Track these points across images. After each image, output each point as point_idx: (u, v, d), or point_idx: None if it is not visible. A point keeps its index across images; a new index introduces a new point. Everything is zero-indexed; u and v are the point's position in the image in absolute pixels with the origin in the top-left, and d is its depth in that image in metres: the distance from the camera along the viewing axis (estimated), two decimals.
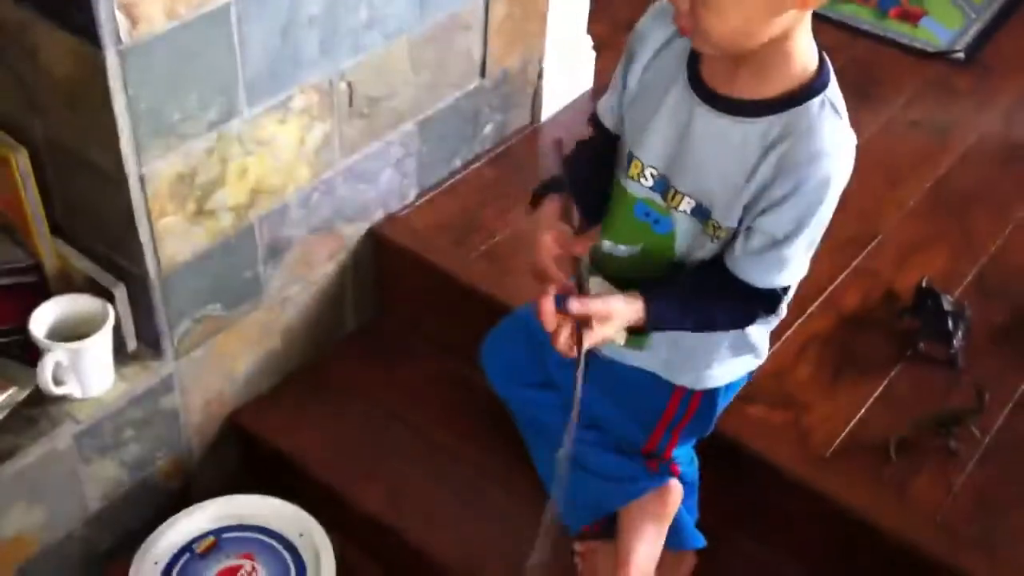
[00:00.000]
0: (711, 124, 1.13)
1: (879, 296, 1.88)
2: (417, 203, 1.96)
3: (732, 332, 1.31)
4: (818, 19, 2.65)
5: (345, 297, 1.92)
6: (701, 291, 1.22)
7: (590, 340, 1.14)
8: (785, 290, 1.22)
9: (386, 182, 1.87)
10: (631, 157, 1.21)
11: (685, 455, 1.53)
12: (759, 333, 1.36)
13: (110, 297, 1.54)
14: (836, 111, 1.12)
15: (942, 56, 2.49)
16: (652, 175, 1.19)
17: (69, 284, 1.58)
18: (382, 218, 1.91)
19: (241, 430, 1.82)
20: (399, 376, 1.90)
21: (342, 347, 1.96)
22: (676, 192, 1.18)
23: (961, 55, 2.48)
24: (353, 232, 1.87)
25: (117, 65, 1.33)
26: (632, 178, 1.21)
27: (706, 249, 1.21)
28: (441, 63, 1.84)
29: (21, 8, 1.38)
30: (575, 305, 1.12)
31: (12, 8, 1.40)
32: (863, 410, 1.67)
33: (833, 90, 1.13)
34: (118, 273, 1.56)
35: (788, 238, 1.14)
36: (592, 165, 1.28)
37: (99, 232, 1.56)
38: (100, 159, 1.44)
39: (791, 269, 1.18)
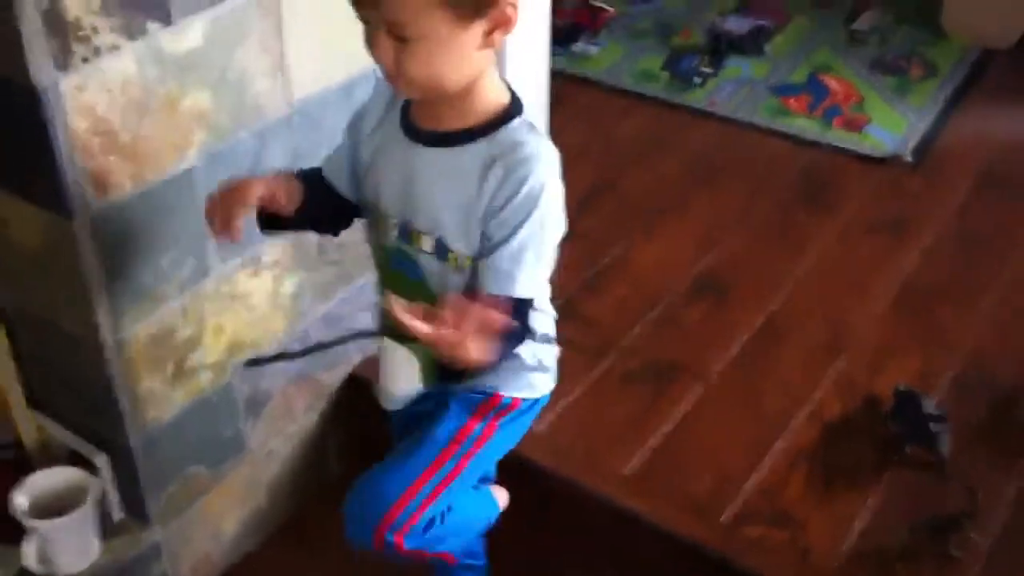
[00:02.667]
0: (428, 158, 1.24)
1: (859, 403, 1.89)
2: None
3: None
4: (765, 133, 2.76)
5: (328, 444, 1.90)
6: None
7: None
8: (524, 303, 1.24)
9: (363, 324, 1.86)
10: (381, 215, 1.30)
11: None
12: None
13: (92, 467, 1.51)
14: (535, 129, 1.23)
15: (891, 160, 2.55)
16: (395, 224, 1.28)
17: (49, 457, 1.55)
18: (361, 360, 1.89)
19: None
20: None
21: (327, 494, 1.91)
22: (416, 232, 1.26)
23: (909, 157, 2.55)
24: (332, 378, 1.85)
25: (87, 234, 1.33)
26: (384, 232, 1.30)
27: (456, 284, 1.27)
28: None
29: None
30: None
31: None
32: (859, 521, 1.66)
33: (529, 114, 1.24)
34: (99, 442, 1.53)
35: (511, 244, 1.20)
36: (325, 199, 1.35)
37: (77, 402, 1.53)
38: (74, 328, 1.43)
39: (524, 277, 1.21)
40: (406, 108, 1.27)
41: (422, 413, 1.42)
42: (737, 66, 2.96)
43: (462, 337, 1.08)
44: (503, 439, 1.42)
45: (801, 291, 2.16)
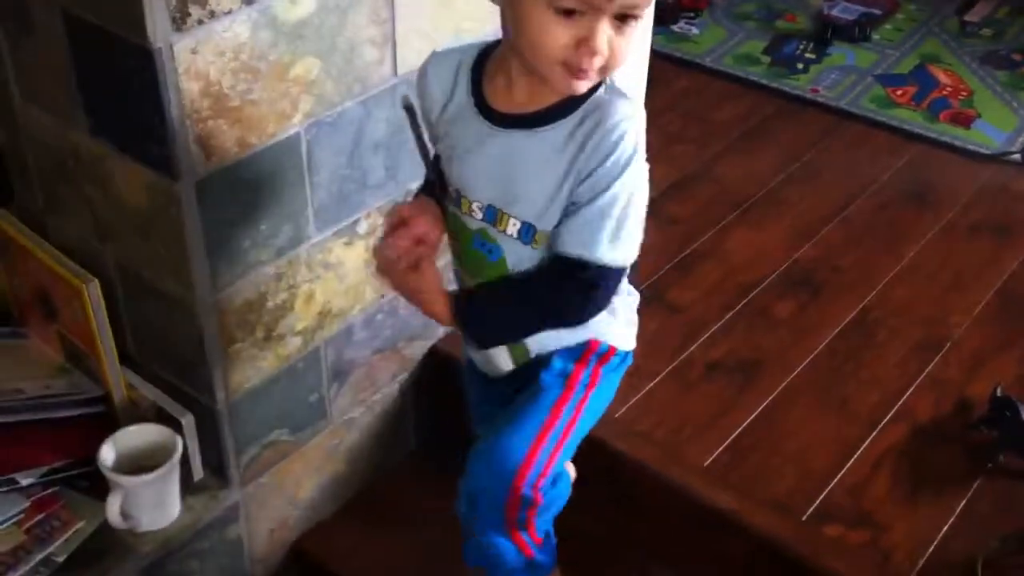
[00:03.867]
0: (522, 142, 1.18)
1: (952, 405, 1.84)
2: None
3: None
4: (869, 123, 2.69)
5: (407, 416, 1.90)
6: (525, 278, 1.25)
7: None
8: (602, 269, 1.19)
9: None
10: (459, 195, 1.26)
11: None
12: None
13: (177, 425, 1.53)
14: (619, 91, 1.18)
15: (998, 158, 2.47)
16: (480, 208, 1.24)
17: (136, 413, 1.57)
18: (444, 335, 1.89)
19: (305, 558, 1.78)
20: None
21: (404, 467, 1.93)
22: (503, 215, 1.23)
23: (1018, 156, 2.47)
24: (415, 351, 1.86)
25: (191, 196, 1.34)
26: (466, 213, 1.26)
27: (533, 258, 1.24)
28: None
29: (96, 140, 1.41)
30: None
31: (87, 139, 1.42)
32: (945, 528, 1.62)
33: (629, 91, 1.19)
34: (185, 401, 1.55)
35: (597, 203, 1.16)
36: None
37: (167, 360, 1.56)
38: (171, 288, 1.45)
39: (604, 240, 1.17)
40: (477, 90, 1.22)
41: (504, 394, 1.41)
42: (842, 53, 2.88)
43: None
44: (604, 392, 1.40)
45: (897, 289, 2.11)
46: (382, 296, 1.71)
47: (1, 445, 1.54)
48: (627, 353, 1.40)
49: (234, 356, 1.50)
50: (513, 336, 1.32)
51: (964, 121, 2.60)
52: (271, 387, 1.58)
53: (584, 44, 1.07)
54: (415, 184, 1.64)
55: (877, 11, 3.06)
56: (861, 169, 2.47)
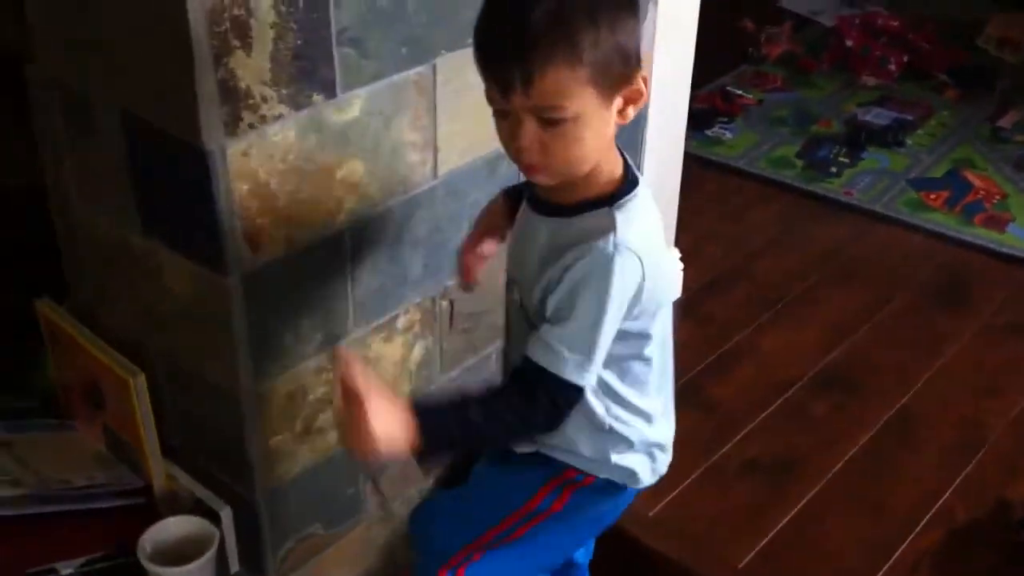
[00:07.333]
0: (533, 223, 1.29)
1: (990, 507, 1.83)
2: None
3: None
4: (902, 226, 2.72)
5: None
6: (486, 392, 1.29)
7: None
8: (558, 382, 1.21)
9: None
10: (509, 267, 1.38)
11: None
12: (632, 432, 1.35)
13: (216, 517, 1.55)
14: (615, 220, 1.20)
15: None
16: (507, 270, 1.36)
17: (176, 505, 1.59)
18: None
19: None
20: None
21: None
22: (512, 281, 1.34)
23: None
24: None
25: (239, 290, 1.38)
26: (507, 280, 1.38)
27: (527, 334, 1.28)
28: None
29: (148, 236, 1.46)
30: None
31: (139, 235, 1.47)
32: None
33: (625, 202, 1.21)
34: (225, 493, 1.57)
35: (558, 319, 1.21)
36: None
37: (208, 452, 1.58)
38: (216, 380, 1.48)
39: (562, 353, 1.20)
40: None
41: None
42: (875, 158, 2.93)
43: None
44: (574, 519, 1.41)
45: (933, 390, 2.11)
46: (419, 391, 1.73)
47: (44, 534, 1.57)
48: (612, 482, 1.38)
49: (274, 449, 1.53)
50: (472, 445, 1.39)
51: (998, 224, 2.62)
52: (309, 480, 1.60)
53: (513, 141, 1.17)
54: (452, 281, 1.69)
55: (910, 117, 3.11)
56: (895, 270, 2.49)
